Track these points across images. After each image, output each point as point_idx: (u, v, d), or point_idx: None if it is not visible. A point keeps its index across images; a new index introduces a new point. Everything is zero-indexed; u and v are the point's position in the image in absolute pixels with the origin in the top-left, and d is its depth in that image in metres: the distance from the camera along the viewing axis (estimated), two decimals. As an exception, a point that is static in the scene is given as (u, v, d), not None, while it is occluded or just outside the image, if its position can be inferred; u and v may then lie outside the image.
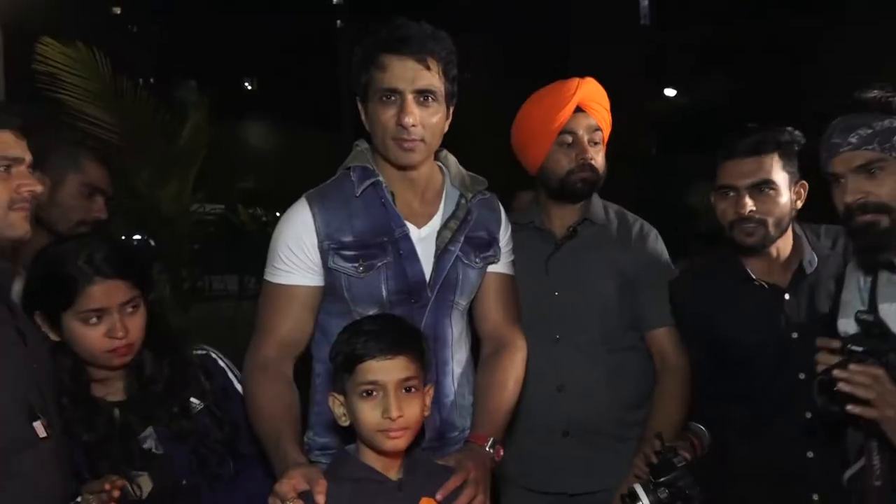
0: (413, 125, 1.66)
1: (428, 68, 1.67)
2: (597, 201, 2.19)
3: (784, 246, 1.96)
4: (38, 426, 1.44)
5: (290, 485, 1.42)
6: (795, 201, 1.93)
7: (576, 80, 2.14)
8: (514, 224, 2.03)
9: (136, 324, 1.64)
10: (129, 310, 1.63)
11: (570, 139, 2.10)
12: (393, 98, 1.67)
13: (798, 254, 1.98)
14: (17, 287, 1.69)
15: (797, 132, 1.93)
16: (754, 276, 1.96)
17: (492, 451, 1.65)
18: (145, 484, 1.59)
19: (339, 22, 13.91)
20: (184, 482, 1.65)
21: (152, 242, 5.25)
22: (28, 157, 1.52)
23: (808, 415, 1.84)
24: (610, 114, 2.17)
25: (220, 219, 5.99)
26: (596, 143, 2.12)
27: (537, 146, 2.15)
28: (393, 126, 1.67)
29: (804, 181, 1.94)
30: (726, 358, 2.00)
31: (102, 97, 4.68)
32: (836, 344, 1.63)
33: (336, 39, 13.52)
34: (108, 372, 1.66)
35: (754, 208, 1.86)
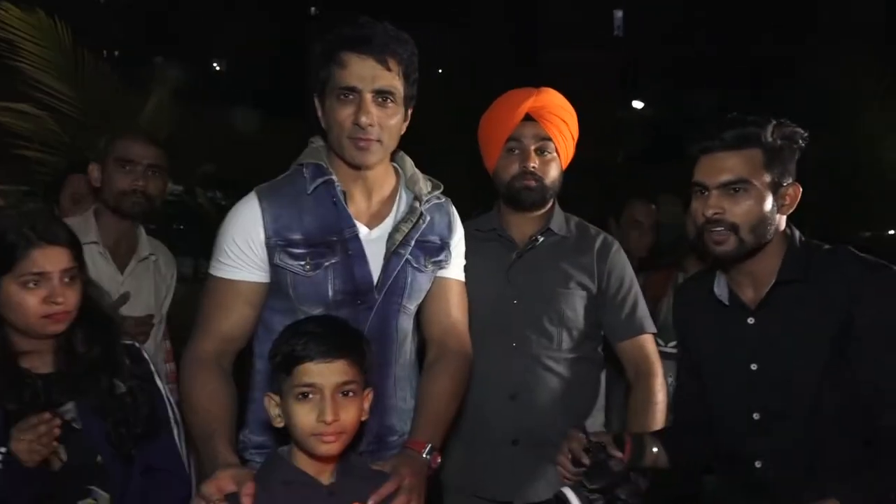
0: (370, 125, 1.64)
1: (388, 69, 1.64)
2: (558, 213, 2.18)
3: (765, 258, 1.66)
4: None
5: (217, 486, 1.39)
6: (783, 207, 1.65)
7: (529, 90, 2.14)
8: (476, 231, 2.01)
9: (72, 293, 1.63)
10: (67, 279, 1.62)
11: (515, 147, 2.10)
12: (351, 96, 1.64)
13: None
14: None
15: (795, 126, 1.66)
16: (717, 292, 1.73)
17: (429, 457, 1.62)
18: (54, 461, 1.57)
19: (313, 9, 13.78)
20: (98, 459, 1.62)
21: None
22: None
23: (758, 464, 1.66)
24: (571, 126, 2.14)
25: (177, 201, 5.89)
26: (543, 153, 2.10)
27: (490, 152, 2.17)
28: (349, 125, 1.65)
29: (797, 184, 1.65)
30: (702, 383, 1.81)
31: (62, 68, 4.56)
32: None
33: (308, 26, 13.39)
34: (36, 343, 1.64)
35: (721, 210, 1.61)
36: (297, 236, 1.68)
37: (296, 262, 1.67)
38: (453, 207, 1.90)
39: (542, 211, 2.16)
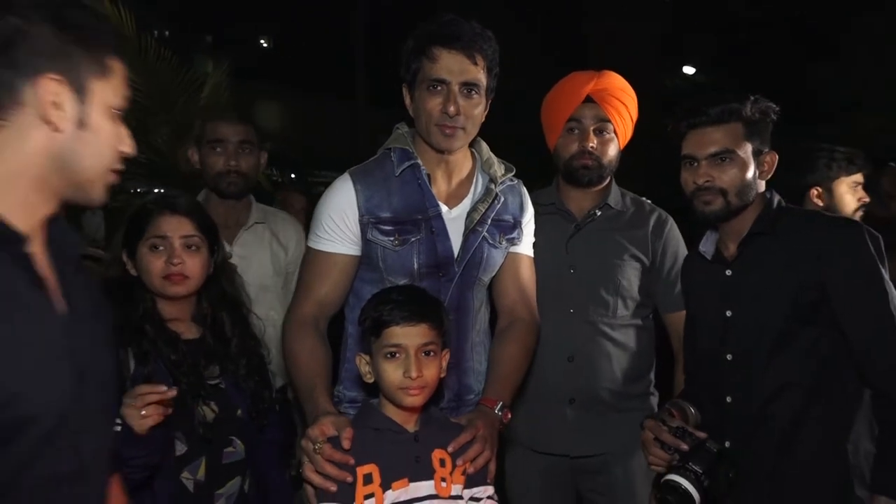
0: (456, 114, 1.78)
1: (475, 63, 1.78)
2: (615, 189, 2.30)
3: (746, 217, 1.84)
4: None
5: (320, 430, 1.57)
6: (763, 173, 1.84)
7: (590, 73, 2.25)
8: (536, 205, 2.12)
9: (195, 261, 1.84)
10: (191, 246, 1.84)
11: (575, 126, 2.21)
12: (440, 88, 1.78)
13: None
14: None
15: (768, 101, 1.84)
16: (702, 249, 1.94)
17: (500, 413, 1.77)
18: (209, 413, 1.77)
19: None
20: (238, 413, 1.84)
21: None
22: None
23: (728, 399, 1.82)
24: (630, 108, 2.25)
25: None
26: (602, 133, 2.22)
27: (551, 131, 2.28)
28: (438, 113, 1.79)
29: (773, 152, 1.85)
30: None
31: (127, 54, 4.71)
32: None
33: (356, 7, 13.46)
34: (177, 310, 1.85)
35: (711, 178, 1.80)
36: (386, 214, 1.84)
37: (385, 238, 1.83)
38: (524, 188, 2.04)
39: (600, 187, 2.27)
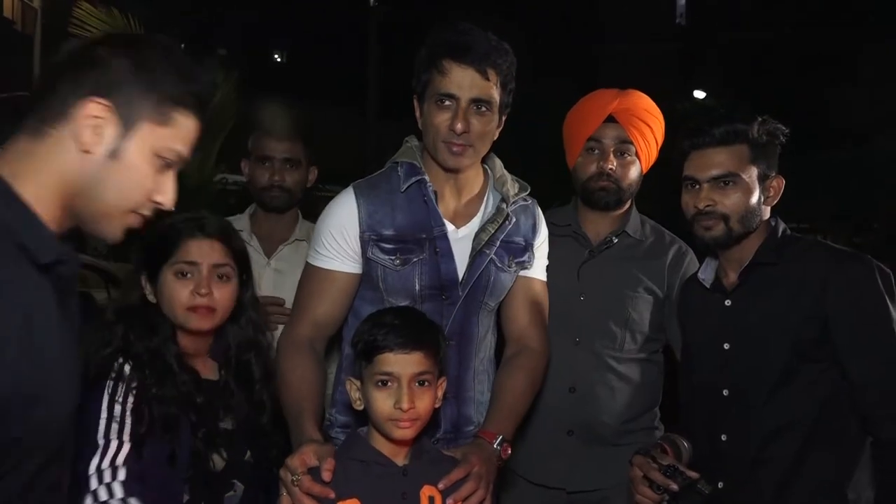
0: (465, 131, 1.69)
1: (487, 79, 1.69)
2: (635, 215, 2.21)
3: (748, 245, 1.75)
4: None
5: (301, 459, 1.48)
6: (768, 198, 1.76)
7: (614, 91, 2.16)
8: (551, 224, 2.07)
9: (223, 293, 1.66)
10: (221, 276, 1.67)
11: (595, 147, 2.13)
12: (448, 103, 1.70)
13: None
14: None
15: (776, 123, 1.76)
16: (700, 276, 1.85)
17: (499, 448, 1.67)
18: (219, 461, 1.65)
19: (371, 1, 13.89)
20: (247, 457, 1.70)
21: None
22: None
23: (723, 437, 1.73)
24: (655, 130, 2.16)
25: (241, 190, 6.06)
26: (623, 155, 2.13)
27: (571, 149, 2.20)
28: (445, 129, 1.71)
29: (780, 176, 1.77)
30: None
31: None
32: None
33: (367, 19, 13.51)
34: (196, 345, 1.69)
35: (713, 202, 1.71)
36: (389, 232, 1.75)
37: (386, 257, 1.75)
38: (539, 209, 1.95)
39: (619, 212, 2.19)
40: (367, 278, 1.79)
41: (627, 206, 2.20)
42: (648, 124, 2.14)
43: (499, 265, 1.82)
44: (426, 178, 1.78)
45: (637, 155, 2.14)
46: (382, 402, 1.47)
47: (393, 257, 1.75)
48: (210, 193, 5.22)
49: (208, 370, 1.71)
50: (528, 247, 1.88)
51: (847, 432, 1.65)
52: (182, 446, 1.56)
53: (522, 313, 1.89)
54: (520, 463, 2.15)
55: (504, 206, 1.82)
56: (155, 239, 1.67)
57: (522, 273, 1.89)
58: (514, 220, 1.84)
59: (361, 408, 1.53)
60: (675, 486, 1.66)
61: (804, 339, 1.64)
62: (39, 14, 11.00)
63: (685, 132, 1.77)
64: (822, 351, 1.63)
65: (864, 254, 1.71)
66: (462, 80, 1.69)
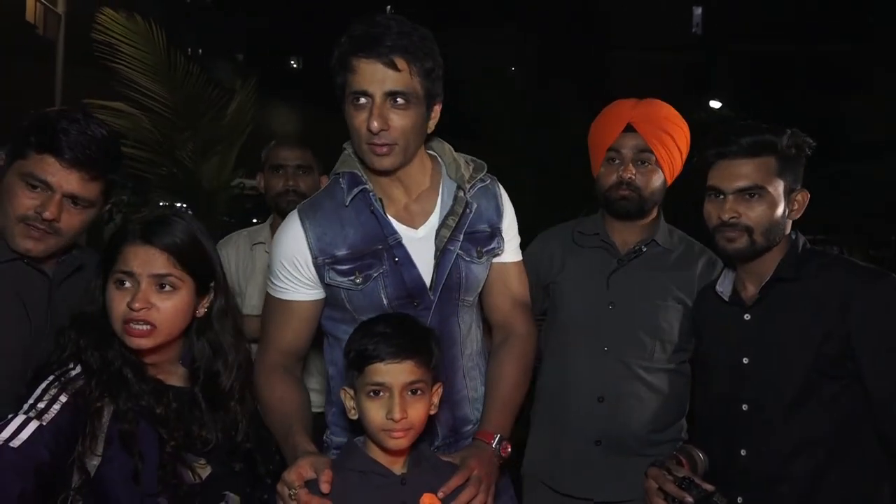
0: (382, 129, 1.56)
1: (398, 69, 1.55)
2: (663, 225, 2.18)
3: (770, 259, 1.73)
4: None
5: (297, 473, 1.44)
6: (792, 212, 1.73)
7: (632, 101, 2.17)
8: (579, 233, 2.02)
9: (167, 306, 1.48)
10: (165, 287, 1.48)
11: (615, 156, 2.14)
12: (363, 101, 1.57)
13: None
14: None
15: (805, 136, 1.71)
16: (719, 289, 1.82)
17: (498, 447, 1.64)
18: (203, 469, 1.53)
19: (389, 8, 13.99)
20: (236, 467, 1.58)
21: (190, 212, 5.39)
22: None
23: (743, 452, 1.71)
24: (677, 138, 2.13)
25: (257, 195, 6.10)
26: (644, 164, 2.11)
27: (594, 159, 2.19)
28: (364, 131, 1.58)
29: (805, 190, 1.73)
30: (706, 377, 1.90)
31: (156, 69, 4.81)
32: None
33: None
34: (161, 354, 1.54)
35: (737, 214, 1.68)
36: (342, 252, 1.66)
37: (345, 279, 1.65)
38: (500, 188, 1.83)
39: (646, 221, 2.17)
40: (333, 301, 1.70)
41: (654, 215, 2.20)
42: (669, 132, 2.12)
43: (467, 259, 1.72)
44: (368, 186, 1.67)
45: (658, 164, 2.13)
46: (375, 413, 1.44)
47: (352, 277, 1.65)
48: (227, 198, 5.28)
49: (178, 377, 1.57)
50: (494, 232, 1.78)
51: (868, 449, 1.63)
52: (146, 461, 1.43)
53: (503, 300, 1.83)
54: (546, 472, 2.15)
55: (461, 193, 1.71)
56: (108, 242, 1.53)
57: (495, 260, 1.80)
58: (474, 205, 1.73)
59: (356, 417, 1.49)
60: (689, 499, 1.63)
61: (825, 356, 1.62)
62: (63, 19, 11.10)
63: (712, 140, 1.73)
64: (843, 368, 1.61)
65: (889, 272, 1.68)
66: (372, 75, 1.55)
